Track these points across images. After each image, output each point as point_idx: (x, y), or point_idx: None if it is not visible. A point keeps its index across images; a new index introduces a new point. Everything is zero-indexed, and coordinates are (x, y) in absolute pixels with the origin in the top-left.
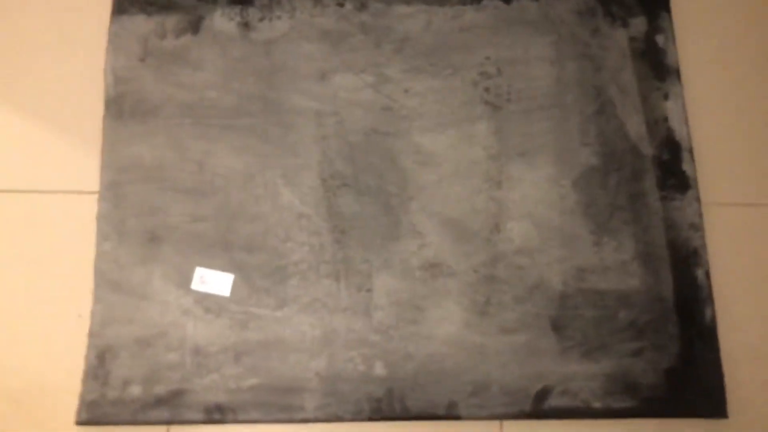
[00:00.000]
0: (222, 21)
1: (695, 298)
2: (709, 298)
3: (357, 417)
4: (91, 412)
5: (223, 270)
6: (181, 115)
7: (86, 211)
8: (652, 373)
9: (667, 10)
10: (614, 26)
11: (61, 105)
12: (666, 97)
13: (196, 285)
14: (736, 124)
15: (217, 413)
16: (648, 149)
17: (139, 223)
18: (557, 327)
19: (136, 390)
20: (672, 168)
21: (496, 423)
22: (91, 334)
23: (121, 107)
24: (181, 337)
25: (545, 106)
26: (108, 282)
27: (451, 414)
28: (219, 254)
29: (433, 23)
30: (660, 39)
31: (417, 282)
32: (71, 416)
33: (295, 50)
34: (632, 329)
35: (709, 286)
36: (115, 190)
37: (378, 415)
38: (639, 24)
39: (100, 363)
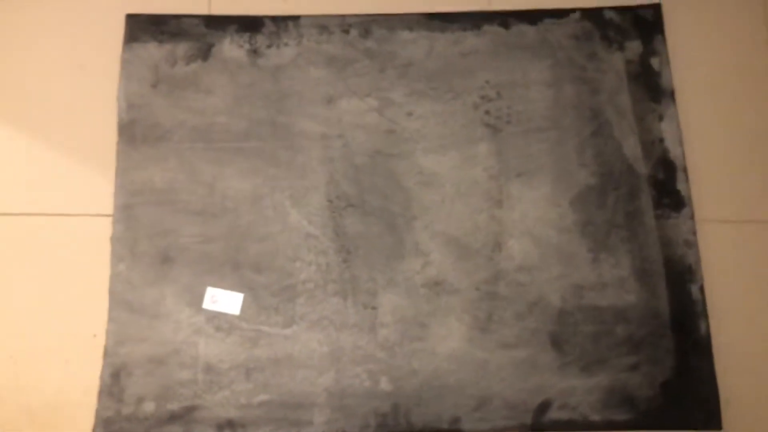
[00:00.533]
0: (231, 48)
1: (690, 312)
2: (704, 313)
3: (364, 431)
4: (106, 428)
5: (233, 289)
6: (191, 139)
7: (101, 233)
8: (648, 386)
9: (662, 33)
10: (610, 50)
11: (77, 131)
12: (661, 118)
13: (207, 304)
14: (729, 144)
15: (228, 429)
16: (644, 169)
17: (151, 245)
18: (556, 342)
19: (149, 407)
20: (667, 187)
21: None
22: (106, 353)
23: (134, 132)
24: (193, 354)
25: (543, 127)
26: (122, 302)
27: (454, 428)
28: (229, 274)
29: (435, 49)
30: (655, 62)
31: (421, 299)
32: None
33: (302, 76)
34: (629, 344)
35: (704, 301)
36: (129, 212)
37: (384, 429)
38: (634, 47)
39: (114, 380)
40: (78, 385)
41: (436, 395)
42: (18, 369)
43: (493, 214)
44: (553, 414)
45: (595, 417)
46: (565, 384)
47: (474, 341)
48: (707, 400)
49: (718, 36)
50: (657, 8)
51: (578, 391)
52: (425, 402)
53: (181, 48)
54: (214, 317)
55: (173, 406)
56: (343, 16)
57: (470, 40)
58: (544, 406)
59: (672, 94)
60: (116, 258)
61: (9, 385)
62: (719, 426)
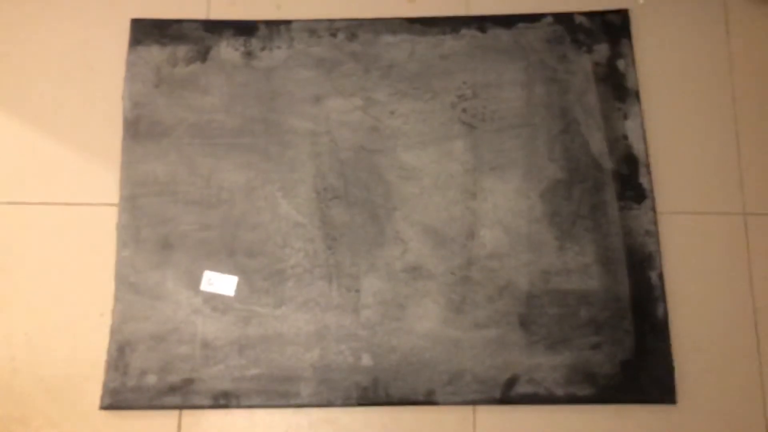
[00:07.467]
0: (227, 50)
1: (649, 297)
2: (662, 297)
3: (346, 403)
4: (113, 398)
5: (228, 273)
6: (190, 135)
7: (108, 221)
8: (609, 364)
9: (628, 37)
10: (580, 52)
11: (86, 128)
12: (626, 116)
13: (204, 286)
14: (688, 141)
15: (223, 399)
16: (609, 164)
17: (153, 232)
18: (524, 323)
19: (152, 379)
20: (630, 181)
21: (469, 408)
22: (113, 330)
23: (138, 129)
24: (192, 332)
25: (516, 125)
26: (127, 284)
27: (429, 400)
28: (224, 259)
29: (416, 51)
30: (621, 64)
31: (400, 283)
32: (96, 402)
33: (292, 77)
34: (592, 325)
35: (662, 287)
36: (133, 202)
37: (365, 401)
38: (602, 50)
39: (120, 355)
40: (87, 359)
41: (413, 370)
42: (33, 344)
43: (467, 205)
44: (520, 388)
45: (559, 391)
46: (531, 361)
47: (448, 321)
48: (663, 378)
49: (682, 40)
50: (625, 13)
51: (544, 367)
52: (403, 376)
53: (182, 50)
54: (211, 298)
55: (173, 378)
56: (331, 21)
57: (449, 43)
58: (511, 381)
59: (636, 94)
60: (121, 244)
61: (25, 359)
62: (673, 401)
